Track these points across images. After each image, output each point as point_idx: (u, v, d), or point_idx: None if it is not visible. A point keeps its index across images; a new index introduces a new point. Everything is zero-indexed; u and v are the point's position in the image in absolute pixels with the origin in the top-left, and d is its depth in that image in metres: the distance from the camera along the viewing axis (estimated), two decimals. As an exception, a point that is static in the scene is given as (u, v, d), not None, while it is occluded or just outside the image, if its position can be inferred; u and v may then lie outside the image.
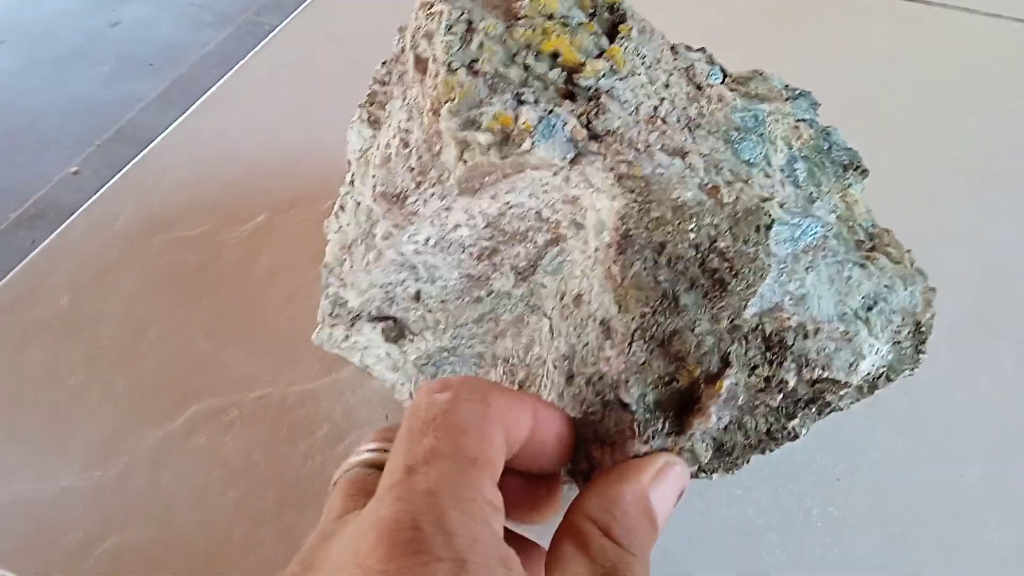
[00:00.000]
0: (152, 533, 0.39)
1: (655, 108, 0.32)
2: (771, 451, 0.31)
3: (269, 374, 0.45)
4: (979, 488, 0.40)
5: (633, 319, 0.29)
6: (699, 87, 0.34)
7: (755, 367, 0.29)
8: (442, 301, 0.37)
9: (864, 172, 0.35)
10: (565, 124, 0.29)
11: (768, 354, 0.29)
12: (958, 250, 0.50)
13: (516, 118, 0.29)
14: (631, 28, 0.32)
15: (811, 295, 0.30)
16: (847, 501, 0.40)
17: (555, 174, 0.30)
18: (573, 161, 0.29)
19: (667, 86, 0.32)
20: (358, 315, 0.40)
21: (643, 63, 0.32)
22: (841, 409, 0.32)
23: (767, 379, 0.29)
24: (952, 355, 0.45)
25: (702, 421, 0.29)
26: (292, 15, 0.70)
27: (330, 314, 0.41)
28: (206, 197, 0.55)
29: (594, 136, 0.30)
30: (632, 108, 0.31)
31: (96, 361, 0.46)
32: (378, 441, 0.28)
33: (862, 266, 0.32)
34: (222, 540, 0.39)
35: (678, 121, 0.32)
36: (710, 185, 0.30)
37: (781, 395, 0.30)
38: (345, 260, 0.39)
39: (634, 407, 0.29)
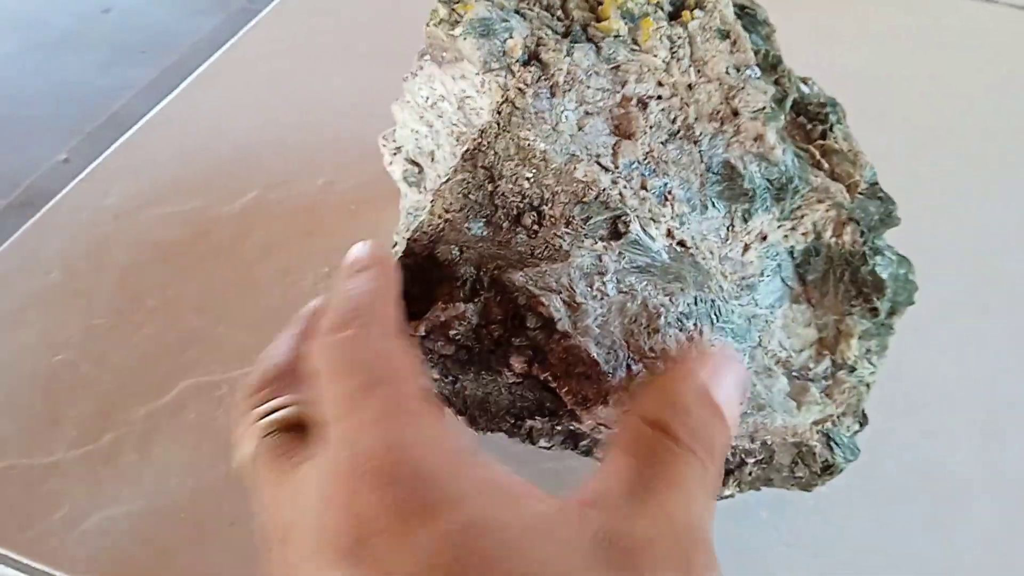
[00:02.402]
0: (142, 506, 0.39)
1: (641, 94, 0.32)
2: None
3: (260, 350, 0.45)
4: (971, 466, 0.40)
5: (434, 217, 0.30)
6: (734, 112, 0.33)
7: (491, 318, 0.29)
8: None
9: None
10: (509, 38, 0.30)
11: (498, 310, 0.29)
12: (949, 232, 0.50)
13: (478, 13, 0.31)
14: (693, 17, 0.33)
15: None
16: (839, 479, 0.39)
17: (477, 74, 0.31)
18: (489, 71, 0.30)
19: (689, 87, 0.33)
20: (399, 148, 0.40)
21: (673, 53, 0.32)
22: None
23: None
24: (943, 335, 0.45)
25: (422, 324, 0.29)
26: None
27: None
28: (197, 174, 0.55)
29: (529, 62, 0.31)
30: (608, 76, 0.32)
31: (87, 336, 0.46)
32: (280, 397, 0.27)
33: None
34: (212, 513, 0.39)
35: (652, 126, 0.32)
36: (573, 156, 0.30)
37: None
38: None
39: None
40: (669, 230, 0.31)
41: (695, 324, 0.29)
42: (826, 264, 0.33)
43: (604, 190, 0.30)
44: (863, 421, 0.33)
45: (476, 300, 0.29)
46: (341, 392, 0.24)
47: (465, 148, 0.31)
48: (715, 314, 0.30)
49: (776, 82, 0.34)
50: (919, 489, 0.40)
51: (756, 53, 0.34)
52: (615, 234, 0.30)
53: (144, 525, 0.39)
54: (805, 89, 0.35)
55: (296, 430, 0.26)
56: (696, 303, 0.30)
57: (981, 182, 0.53)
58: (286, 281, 0.48)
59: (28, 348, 0.46)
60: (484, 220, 0.30)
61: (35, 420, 0.43)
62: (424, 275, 0.30)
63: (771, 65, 0.35)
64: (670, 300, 0.29)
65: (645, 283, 0.29)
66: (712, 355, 0.27)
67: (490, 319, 0.29)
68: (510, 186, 0.30)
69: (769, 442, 0.30)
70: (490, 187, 0.30)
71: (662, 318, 0.29)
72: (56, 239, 0.51)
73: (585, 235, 0.29)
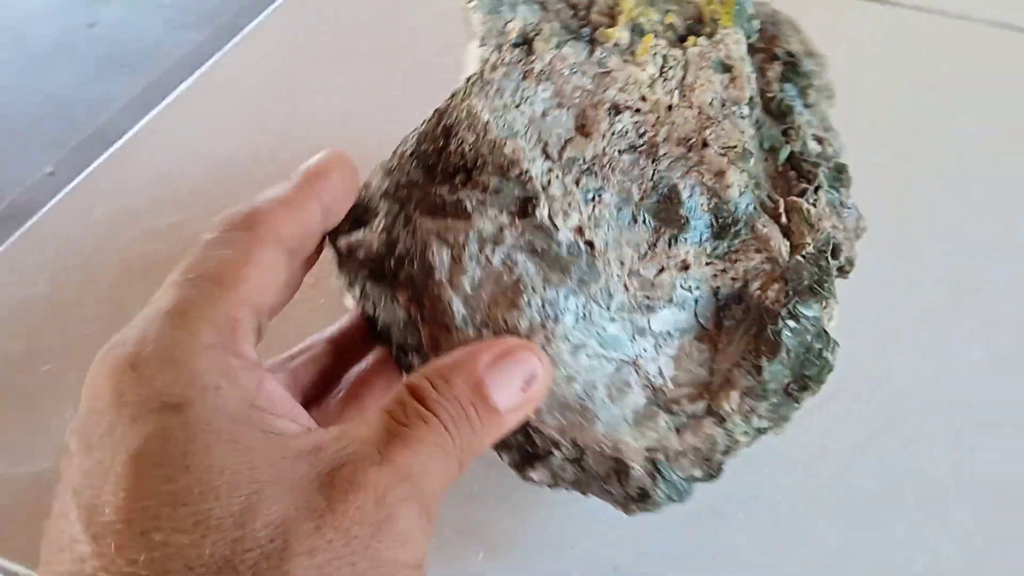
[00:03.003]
0: (128, 515, 0.39)
1: (620, 102, 0.34)
2: None
3: (246, 361, 0.45)
4: (947, 472, 0.41)
5: (394, 156, 0.33)
6: (704, 143, 0.34)
7: (395, 253, 0.31)
8: None
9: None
10: (511, 20, 0.33)
11: (403, 248, 0.31)
12: (927, 240, 0.51)
13: None
14: (695, 44, 0.34)
15: None
16: (815, 482, 0.40)
17: (479, 46, 0.34)
18: (483, 44, 0.34)
19: (669, 108, 0.34)
20: None
21: (663, 73, 0.34)
22: None
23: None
24: (920, 341, 0.46)
25: None
26: (266, 11, 0.70)
27: None
28: (181, 188, 0.55)
29: (519, 45, 0.33)
30: (593, 78, 0.34)
31: (72, 348, 0.46)
32: None
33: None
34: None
35: (616, 133, 0.34)
36: (515, 134, 0.32)
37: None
38: None
39: None
40: (580, 228, 0.32)
41: (556, 314, 0.30)
42: (744, 314, 0.33)
43: (527, 171, 0.31)
44: (710, 473, 0.32)
45: (389, 232, 0.31)
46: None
47: (439, 106, 0.33)
48: (584, 314, 0.31)
49: (784, 132, 0.35)
50: (895, 494, 0.40)
51: (771, 99, 0.35)
52: (523, 213, 0.31)
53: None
54: (814, 147, 0.35)
55: None
56: (568, 297, 0.31)
57: (957, 191, 0.54)
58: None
59: (15, 359, 0.46)
60: (425, 168, 0.32)
61: (22, 430, 0.43)
62: (371, 201, 0.33)
63: (781, 113, 0.35)
64: (543, 285, 0.30)
65: (530, 265, 0.31)
66: (504, 342, 0.28)
67: (393, 253, 0.31)
68: (455, 146, 0.32)
69: (581, 444, 0.30)
70: (442, 143, 0.33)
71: (525, 297, 0.30)
72: (42, 252, 0.52)
73: (492, 204, 0.31)
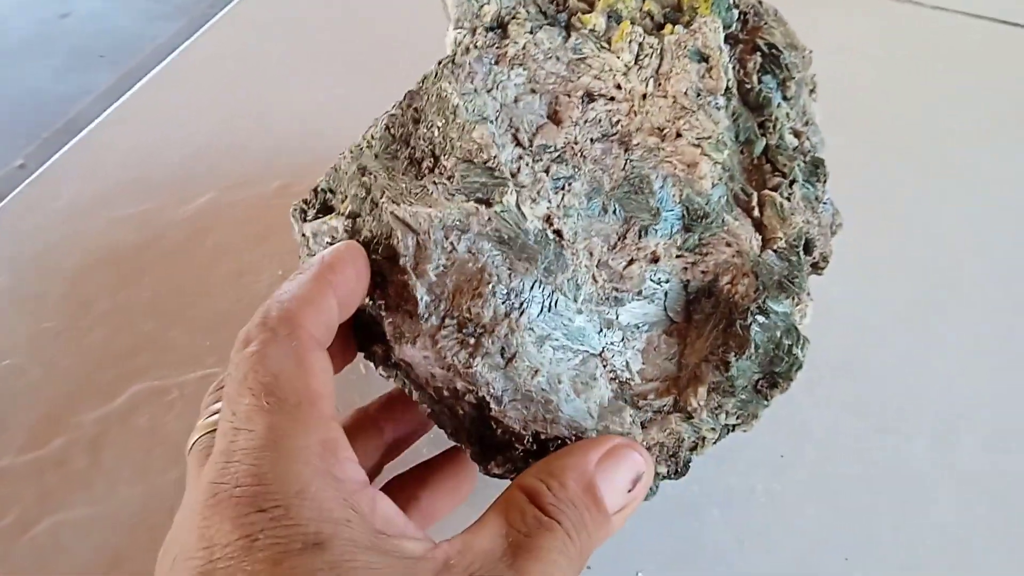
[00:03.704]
0: (93, 512, 0.39)
1: (594, 90, 0.33)
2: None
3: (214, 355, 0.44)
4: (925, 464, 0.41)
5: (363, 140, 0.33)
6: (677, 133, 0.33)
7: (359, 238, 0.31)
8: None
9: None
10: (487, 4, 0.33)
11: (368, 233, 0.31)
12: (907, 235, 0.51)
13: None
14: (673, 32, 0.34)
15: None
16: (791, 477, 0.40)
17: (454, 29, 0.34)
18: (459, 27, 0.33)
19: (644, 97, 0.33)
20: None
21: (638, 61, 0.33)
22: None
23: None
24: (899, 335, 0.46)
25: None
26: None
27: None
28: (150, 176, 0.54)
29: (493, 29, 0.33)
30: (568, 64, 0.33)
31: (36, 340, 0.45)
32: (218, 402, 0.27)
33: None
34: (163, 519, 0.38)
35: (589, 120, 0.33)
36: (484, 119, 0.32)
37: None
38: None
39: None
40: (549, 216, 0.32)
41: (521, 304, 0.30)
42: (713, 308, 0.32)
43: (495, 157, 0.31)
44: (676, 470, 0.32)
45: (355, 217, 0.31)
46: (230, 411, 0.24)
47: (410, 88, 0.33)
48: (550, 304, 0.30)
49: (761, 124, 0.34)
50: (875, 487, 0.40)
51: (750, 91, 0.34)
52: (489, 201, 0.30)
53: (94, 531, 0.38)
54: (791, 140, 0.34)
55: None
56: (534, 287, 0.30)
57: (938, 188, 0.54)
58: (240, 284, 0.48)
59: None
60: (392, 153, 0.32)
61: (-19, 427, 0.42)
62: (339, 185, 0.33)
63: (759, 105, 0.34)
64: (509, 274, 0.30)
65: (496, 253, 0.30)
66: (609, 440, 0.28)
67: (357, 237, 0.31)
68: (424, 130, 0.32)
69: (543, 436, 0.29)
70: (412, 127, 0.32)
71: (490, 286, 0.29)
72: (5, 242, 0.51)
73: (459, 191, 0.30)
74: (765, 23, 0.36)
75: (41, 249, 0.50)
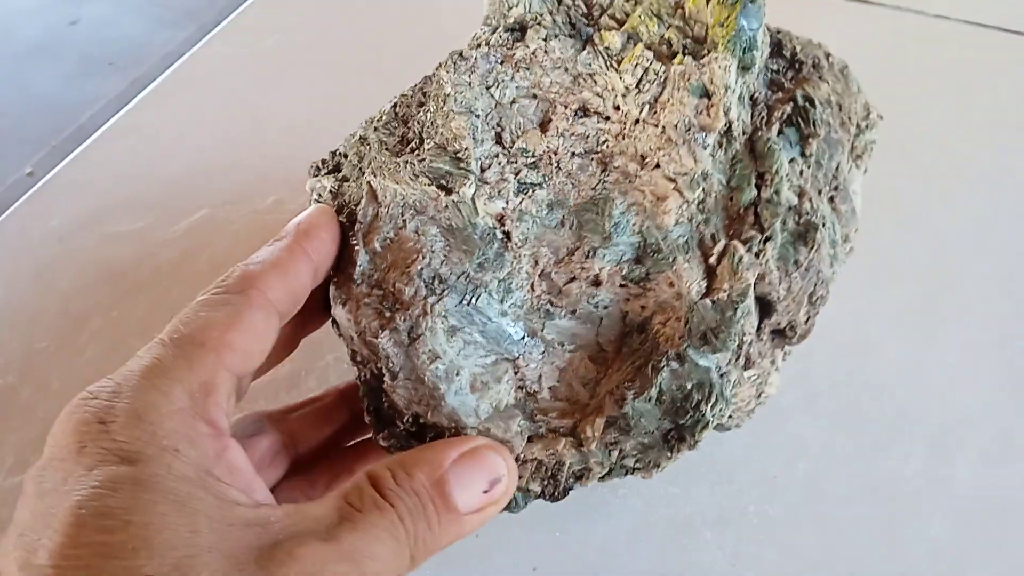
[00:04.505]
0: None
1: (591, 106, 0.33)
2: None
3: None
4: (920, 482, 0.40)
5: (370, 121, 0.35)
6: (656, 164, 0.32)
7: (343, 202, 0.33)
8: None
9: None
10: (516, 6, 0.34)
11: (352, 200, 0.33)
12: (900, 247, 0.50)
13: None
14: (681, 63, 0.33)
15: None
16: (784, 498, 0.40)
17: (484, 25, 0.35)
18: (486, 24, 0.35)
19: (637, 122, 0.33)
20: None
21: (639, 86, 0.33)
22: None
23: None
24: (894, 349, 0.45)
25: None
26: (236, 11, 0.69)
27: None
28: (144, 193, 0.54)
29: (514, 30, 0.34)
30: (574, 77, 0.33)
31: (29, 359, 0.45)
32: None
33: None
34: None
35: (576, 134, 0.33)
36: (466, 113, 0.33)
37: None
38: None
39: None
40: (502, 216, 0.32)
41: (442, 291, 0.30)
42: (640, 345, 0.32)
43: (466, 149, 0.32)
44: (554, 493, 0.31)
45: (344, 180, 0.33)
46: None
47: (427, 74, 0.35)
48: (470, 299, 0.31)
49: (760, 175, 0.32)
50: (868, 505, 0.39)
51: (759, 139, 0.33)
52: (449, 189, 0.31)
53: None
54: (788, 198, 0.32)
55: None
56: (460, 279, 0.31)
57: (933, 197, 0.53)
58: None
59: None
60: (390, 130, 0.34)
61: (-26, 446, 0.42)
62: (347, 150, 0.35)
63: (761, 155, 0.32)
64: (441, 261, 0.31)
65: (440, 239, 0.31)
66: (473, 441, 0.29)
67: (340, 199, 0.33)
68: (422, 114, 0.34)
69: (421, 420, 0.30)
70: (415, 109, 0.34)
71: (418, 266, 0.30)
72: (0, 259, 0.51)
73: (423, 173, 0.32)
74: (819, 76, 0.35)
75: (34, 268, 0.50)
